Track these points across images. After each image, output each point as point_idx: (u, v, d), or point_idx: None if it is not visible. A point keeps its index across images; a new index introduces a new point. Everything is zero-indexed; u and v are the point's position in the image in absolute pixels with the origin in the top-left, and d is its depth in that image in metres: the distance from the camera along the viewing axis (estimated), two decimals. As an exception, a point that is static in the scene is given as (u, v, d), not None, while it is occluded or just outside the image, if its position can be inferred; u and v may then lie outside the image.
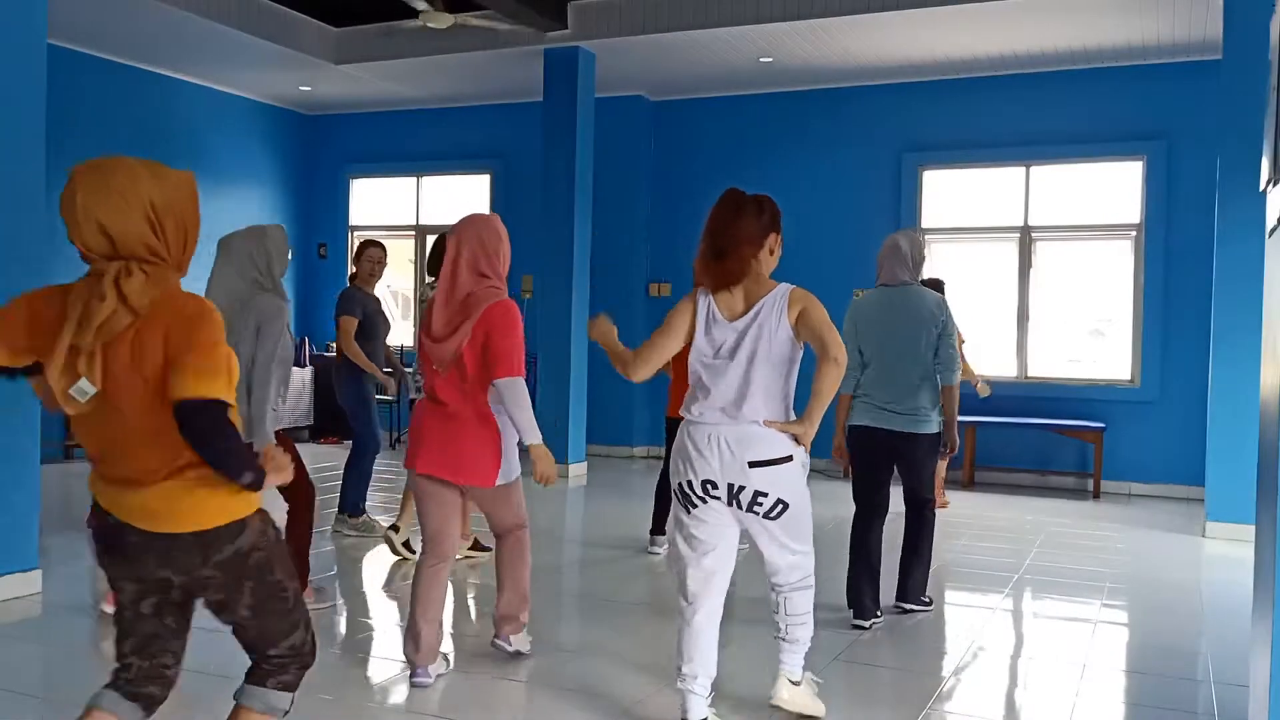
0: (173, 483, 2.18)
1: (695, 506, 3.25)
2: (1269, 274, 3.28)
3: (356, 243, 11.92)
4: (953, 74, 9.32)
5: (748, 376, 3.15)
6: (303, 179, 11.91)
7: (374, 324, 6.30)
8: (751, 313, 3.18)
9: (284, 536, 2.61)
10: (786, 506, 3.20)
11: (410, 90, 10.67)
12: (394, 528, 5.77)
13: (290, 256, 4.53)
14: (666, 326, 3.29)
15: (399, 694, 3.75)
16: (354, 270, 6.51)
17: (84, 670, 3.84)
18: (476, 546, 5.81)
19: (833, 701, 3.69)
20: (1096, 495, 8.60)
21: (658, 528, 6.00)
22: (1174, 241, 8.73)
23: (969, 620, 4.94)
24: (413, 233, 11.59)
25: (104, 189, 2.15)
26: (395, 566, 5.72)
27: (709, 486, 3.20)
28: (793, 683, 3.42)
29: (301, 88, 10.71)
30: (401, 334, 11.55)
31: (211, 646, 4.27)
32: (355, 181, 11.93)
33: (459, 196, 11.46)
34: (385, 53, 9.47)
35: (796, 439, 3.18)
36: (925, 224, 9.56)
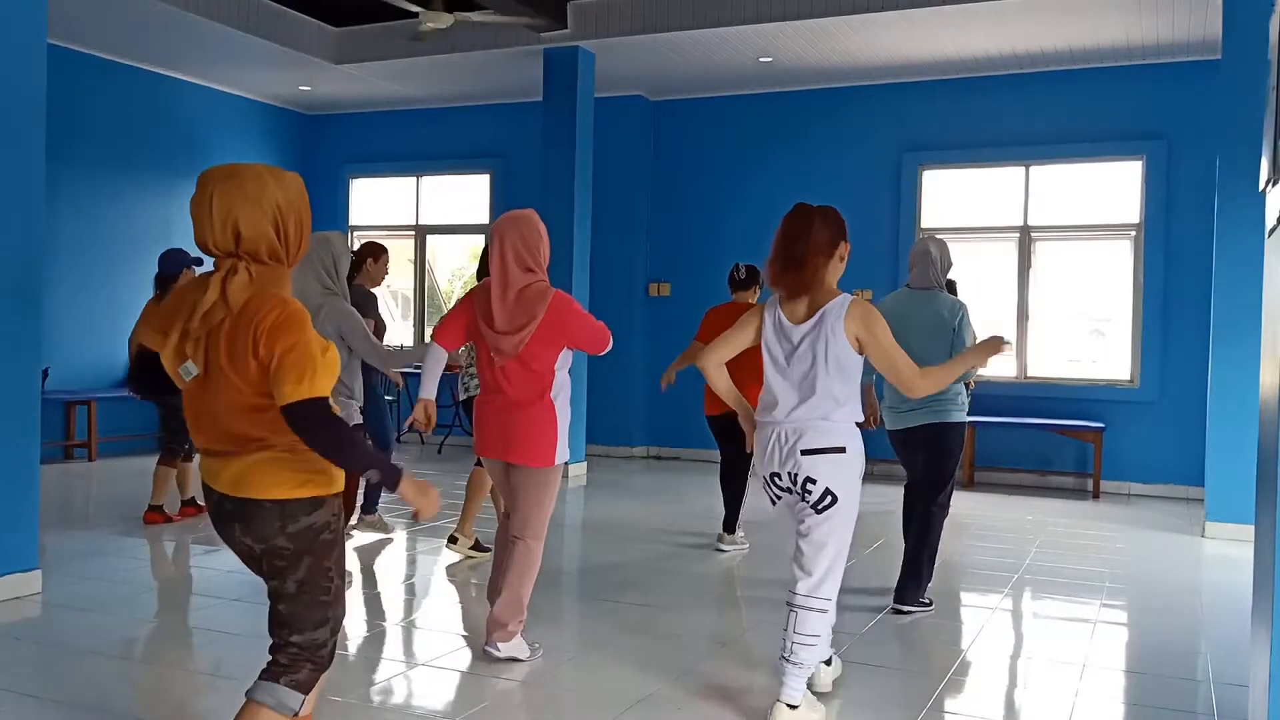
0: (260, 454, 2.38)
1: (775, 501, 3.49)
2: (1268, 273, 3.28)
3: (357, 243, 11.94)
4: (952, 74, 9.32)
5: (810, 379, 3.35)
6: (303, 179, 11.87)
7: (380, 324, 6.47)
8: (814, 319, 3.37)
9: None
10: (835, 500, 3.32)
11: (410, 90, 10.67)
12: (453, 539, 5.87)
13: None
14: (738, 327, 3.56)
15: (400, 694, 3.75)
16: (359, 270, 6.42)
17: (84, 670, 3.84)
18: (477, 547, 5.82)
19: (833, 702, 3.70)
20: (1096, 495, 8.61)
21: (728, 526, 6.21)
22: (1173, 241, 8.73)
23: (969, 620, 4.94)
24: (412, 233, 11.59)
25: (239, 193, 2.35)
26: (409, 565, 5.71)
27: (775, 479, 3.41)
28: (790, 707, 3.33)
29: (301, 87, 10.71)
30: (401, 334, 11.57)
31: (211, 646, 4.28)
32: (355, 181, 11.93)
33: (459, 196, 11.47)
34: (385, 52, 9.47)
35: (860, 425, 3.42)
36: (925, 224, 9.57)
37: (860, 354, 3.37)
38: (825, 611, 3.37)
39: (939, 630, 4.70)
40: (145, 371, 2.52)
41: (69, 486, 8.12)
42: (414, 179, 11.59)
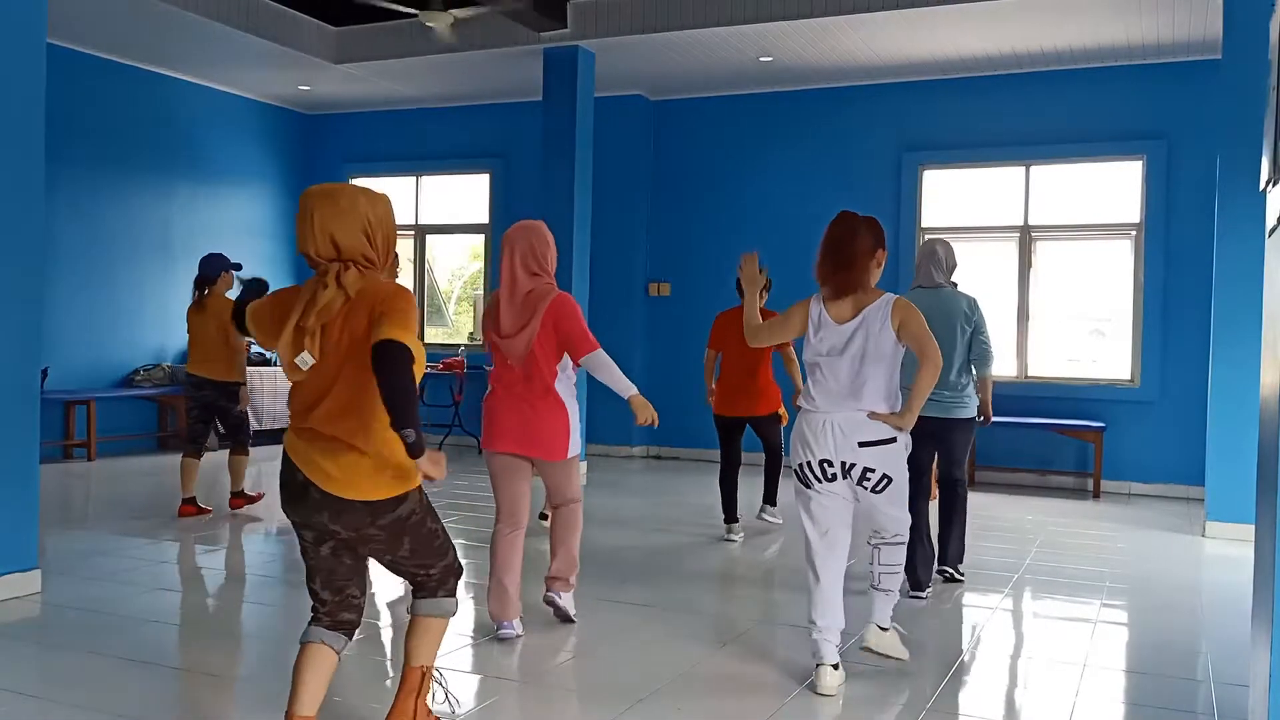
0: (355, 458, 2.71)
1: (813, 485, 3.74)
2: (1269, 273, 3.27)
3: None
4: (952, 73, 9.32)
5: (856, 371, 3.65)
6: (302, 178, 11.90)
7: None
8: (858, 319, 3.68)
9: None
10: (891, 481, 3.71)
11: (410, 90, 10.67)
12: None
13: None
14: (785, 317, 3.87)
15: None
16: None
17: (84, 670, 3.84)
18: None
19: (833, 701, 3.70)
20: (1096, 495, 8.61)
21: (730, 516, 6.53)
22: (1174, 241, 8.73)
23: (969, 620, 4.94)
24: (412, 232, 11.59)
25: (335, 209, 2.74)
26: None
27: (825, 465, 3.69)
28: (881, 629, 3.85)
29: (301, 87, 10.71)
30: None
31: (211, 646, 4.27)
32: (355, 181, 11.91)
33: (458, 196, 11.46)
34: (385, 52, 9.47)
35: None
36: (925, 223, 9.57)
37: (902, 344, 3.67)
38: (901, 544, 3.87)
39: (939, 630, 4.70)
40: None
41: (68, 486, 8.12)
42: (413, 179, 11.59)
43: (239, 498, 7.03)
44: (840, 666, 3.75)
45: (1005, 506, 8.00)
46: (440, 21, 7.86)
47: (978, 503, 8.05)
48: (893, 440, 3.66)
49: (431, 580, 2.99)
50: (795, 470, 3.80)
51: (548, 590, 4.48)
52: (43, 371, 5.22)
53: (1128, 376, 8.99)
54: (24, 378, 4.83)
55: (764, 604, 5.23)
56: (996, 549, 6.36)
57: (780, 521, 6.90)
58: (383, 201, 2.83)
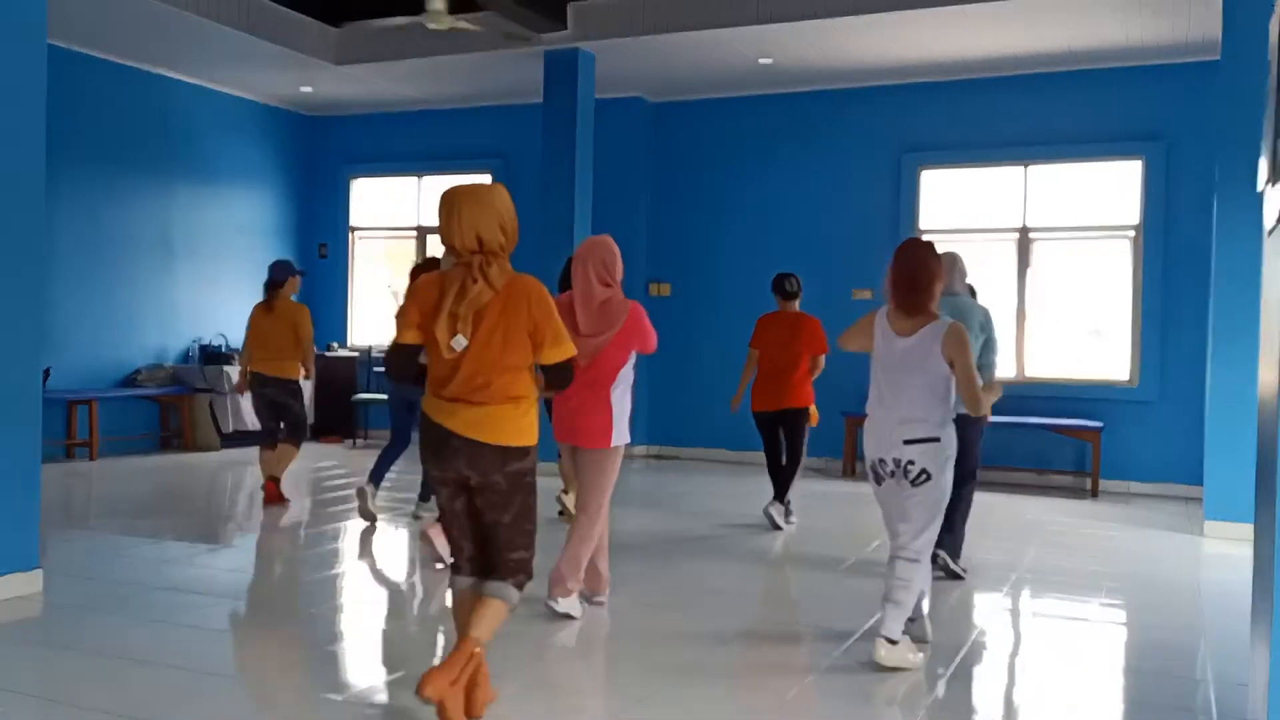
0: (501, 408, 3.22)
1: (879, 483, 4.12)
2: (1267, 273, 3.29)
3: (358, 244, 11.96)
4: (952, 74, 9.33)
5: (910, 382, 4.06)
6: (303, 179, 11.92)
7: None
8: (916, 336, 4.08)
9: None
10: (929, 476, 4.02)
11: (411, 91, 10.68)
12: (566, 490, 6.73)
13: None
14: (860, 330, 4.27)
15: (407, 690, 3.76)
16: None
17: (84, 670, 3.85)
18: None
19: (832, 701, 3.71)
20: (1095, 494, 8.61)
21: (781, 497, 6.96)
22: (1173, 242, 8.73)
23: (968, 619, 4.95)
24: (414, 233, 11.61)
25: (479, 207, 3.22)
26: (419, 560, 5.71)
27: (882, 464, 4.07)
28: (890, 641, 3.97)
29: (302, 88, 10.72)
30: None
31: (212, 646, 4.28)
32: (356, 181, 11.94)
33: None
34: (386, 53, 9.47)
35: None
36: (924, 224, 9.58)
37: (950, 368, 4.02)
38: (917, 561, 4.06)
39: (938, 629, 4.70)
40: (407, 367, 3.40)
41: (70, 486, 8.13)
42: (415, 179, 11.60)
43: (273, 484, 7.22)
44: (901, 642, 3.99)
45: (1004, 506, 8.01)
46: (441, 23, 7.85)
47: (977, 502, 8.04)
48: (935, 440, 4.01)
49: (509, 564, 3.30)
50: (868, 468, 4.20)
51: (548, 596, 4.59)
52: (45, 371, 5.24)
53: (1126, 377, 9.00)
54: (26, 377, 4.83)
55: (763, 601, 5.23)
56: (996, 548, 6.36)
57: (785, 526, 6.83)
58: (507, 196, 3.30)
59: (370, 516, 6.57)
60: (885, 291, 4.22)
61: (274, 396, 7.15)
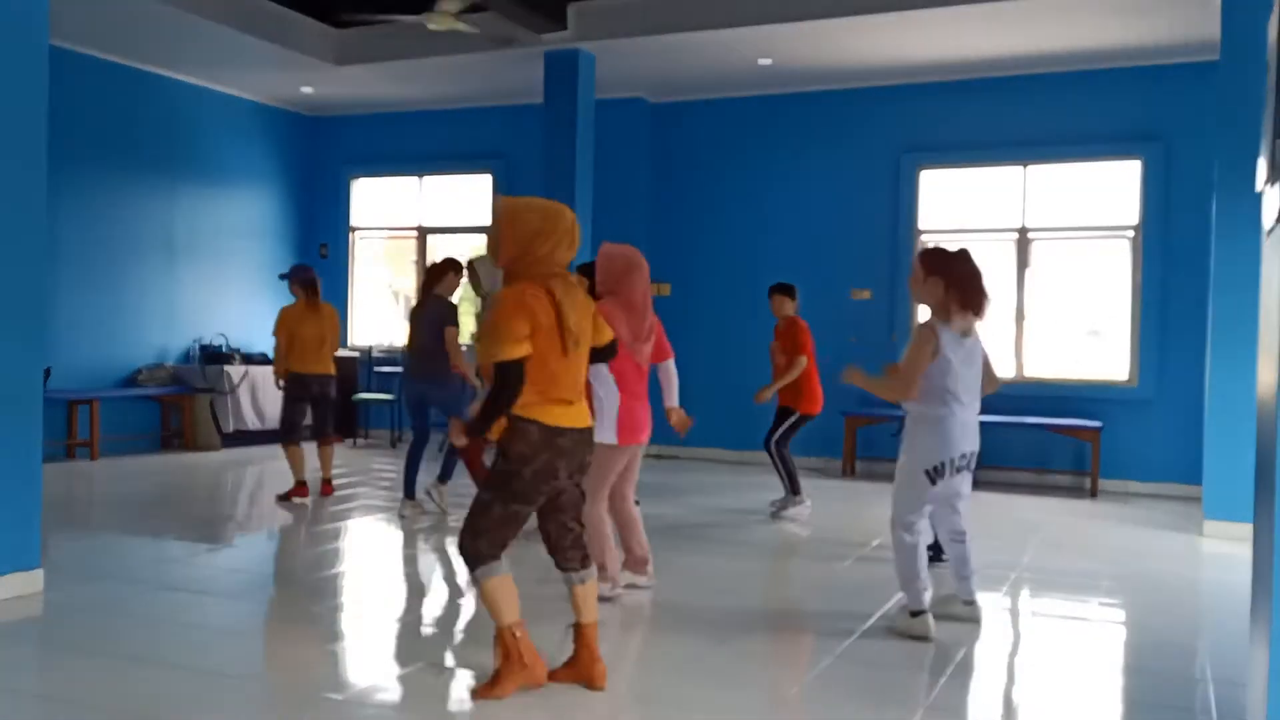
0: (585, 402, 3.69)
1: (942, 477, 4.40)
2: (1266, 274, 3.29)
3: (357, 244, 11.96)
4: (951, 75, 9.34)
5: (976, 377, 4.50)
6: (304, 180, 11.93)
7: (458, 329, 7.08)
8: (975, 335, 4.55)
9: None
10: (977, 460, 4.60)
11: (411, 91, 10.69)
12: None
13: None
14: (921, 352, 4.39)
15: (408, 691, 3.77)
16: (439, 281, 7.00)
17: (85, 670, 3.86)
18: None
19: (832, 701, 3.72)
20: (1094, 494, 8.62)
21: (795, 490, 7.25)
22: (1171, 242, 8.74)
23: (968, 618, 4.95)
24: (414, 233, 11.61)
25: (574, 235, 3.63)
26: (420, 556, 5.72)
27: (962, 458, 4.44)
28: (966, 603, 4.63)
29: (303, 89, 10.72)
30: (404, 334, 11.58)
31: (213, 645, 4.29)
32: (356, 182, 11.95)
33: (460, 197, 11.48)
34: (386, 54, 9.48)
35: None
36: (923, 224, 9.59)
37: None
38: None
39: (937, 629, 4.71)
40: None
41: (71, 486, 8.14)
42: (416, 180, 11.61)
43: (327, 485, 7.57)
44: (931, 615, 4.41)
45: (1003, 505, 8.01)
46: (441, 24, 7.87)
47: (975, 502, 8.03)
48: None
49: (578, 546, 3.75)
50: (931, 469, 4.38)
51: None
52: (46, 371, 5.25)
53: (1125, 376, 9.00)
54: (27, 377, 4.84)
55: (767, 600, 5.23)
56: (995, 548, 6.37)
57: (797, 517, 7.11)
58: None
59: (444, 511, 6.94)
60: (923, 294, 4.55)
61: (318, 393, 7.47)
